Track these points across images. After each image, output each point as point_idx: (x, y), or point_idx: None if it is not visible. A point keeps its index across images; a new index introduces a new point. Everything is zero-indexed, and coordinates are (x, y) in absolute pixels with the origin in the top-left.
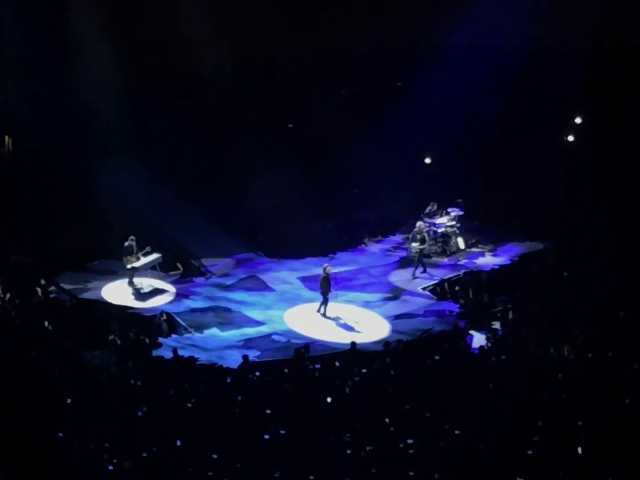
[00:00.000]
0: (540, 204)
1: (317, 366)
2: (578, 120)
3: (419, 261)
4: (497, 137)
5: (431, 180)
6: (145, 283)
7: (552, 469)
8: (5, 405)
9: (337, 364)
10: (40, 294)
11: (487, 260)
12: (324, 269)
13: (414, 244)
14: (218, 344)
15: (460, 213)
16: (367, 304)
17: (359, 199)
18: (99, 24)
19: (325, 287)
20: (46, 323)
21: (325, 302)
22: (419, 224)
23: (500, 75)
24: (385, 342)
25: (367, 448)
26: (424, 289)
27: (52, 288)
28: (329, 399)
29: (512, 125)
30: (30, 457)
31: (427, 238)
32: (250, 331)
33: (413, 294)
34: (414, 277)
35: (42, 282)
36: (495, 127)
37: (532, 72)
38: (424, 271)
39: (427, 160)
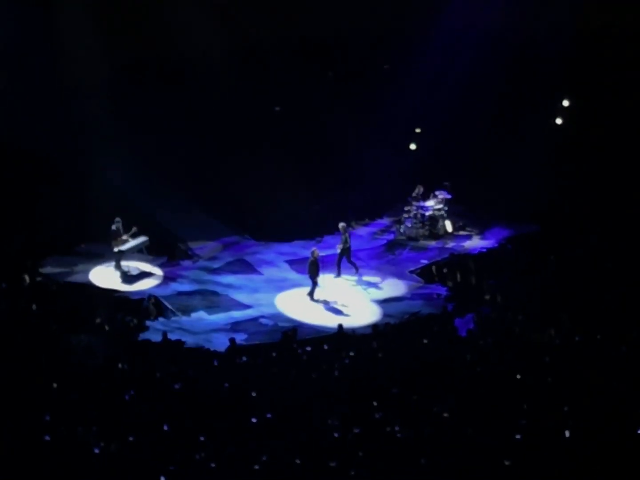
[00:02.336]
0: (527, 187)
1: (308, 349)
2: (566, 103)
3: (339, 262)
4: (485, 119)
5: (418, 164)
6: (132, 266)
7: (539, 452)
8: None
9: (324, 347)
10: (26, 278)
11: (475, 243)
12: (312, 252)
13: (338, 245)
14: (205, 327)
15: (448, 196)
16: (354, 287)
17: (346, 182)
18: (85, 9)
19: (313, 270)
20: (33, 307)
21: (313, 285)
22: (341, 225)
23: (487, 58)
24: (373, 325)
25: (354, 431)
26: (411, 272)
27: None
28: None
29: (499, 108)
30: (17, 441)
31: (349, 239)
32: (238, 314)
33: (401, 276)
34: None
35: (29, 266)
36: (483, 110)
37: (520, 55)
38: (356, 272)
39: (413, 147)
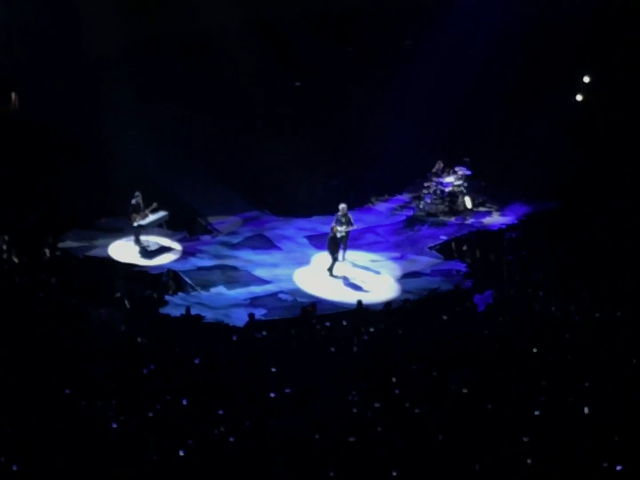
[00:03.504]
0: (548, 163)
1: (327, 324)
2: (586, 79)
3: (346, 244)
4: (505, 95)
5: (438, 139)
6: (152, 241)
7: (558, 429)
8: (13, 363)
9: (344, 322)
10: (46, 252)
11: (495, 219)
12: (332, 228)
13: (339, 228)
14: (224, 302)
15: (468, 172)
16: (374, 263)
17: (366, 157)
18: None
19: (332, 246)
20: (52, 281)
21: (333, 261)
22: (342, 206)
23: (508, 33)
24: (392, 302)
25: (374, 405)
26: (431, 248)
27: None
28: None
29: (520, 84)
30: (37, 414)
31: (352, 219)
32: (257, 289)
33: (420, 253)
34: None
35: (49, 240)
36: (503, 85)
37: (541, 31)
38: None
39: None
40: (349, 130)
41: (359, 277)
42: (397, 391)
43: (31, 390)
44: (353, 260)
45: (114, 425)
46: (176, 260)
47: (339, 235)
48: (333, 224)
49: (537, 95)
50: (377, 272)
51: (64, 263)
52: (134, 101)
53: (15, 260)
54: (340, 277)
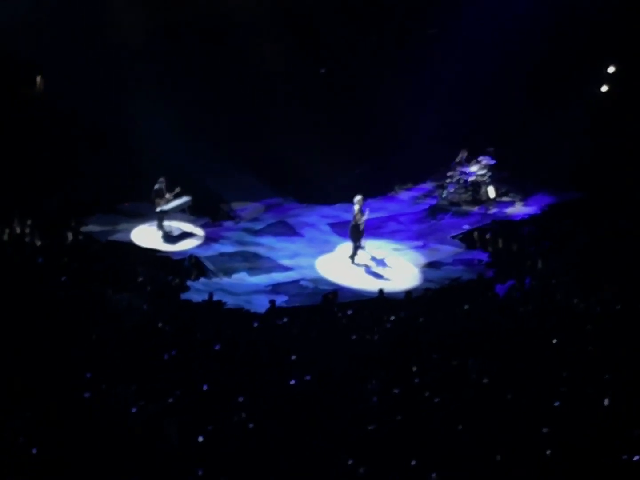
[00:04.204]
0: (572, 154)
1: (348, 312)
2: (611, 69)
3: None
4: (530, 85)
5: (462, 128)
6: (175, 226)
7: (578, 420)
8: (34, 347)
9: (365, 311)
10: (69, 236)
11: (517, 209)
12: (354, 216)
13: (361, 216)
14: (246, 288)
15: (491, 162)
16: (396, 252)
17: (390, 145)
18: None
19: (355, 234)
20: (74, 265)
21: (355, 249)
22: (358, 197)
23: (533, 22)
24: (413, 290)
25: (394, 392)
26: (453, 237)
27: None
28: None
29: (544, 74)
30: (57, 398)
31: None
32: (279, 276)
33: (442, 242)
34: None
35: (72, 224)
36: (528, 76)
37: (566, 20)
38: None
39: None
40: (372, 118)
41: (380, 265)
42: (417, 380)
43: (51, 374)
44: (375, 249)
45: (134, 410)
46: (198, 246)
47: (361, 223)
48: (356, 212)
49: (561, 86)
50: (399, 261)
51: (86, 247)
52: (158, 86)
53: (38, 244)
54: (362, 266)
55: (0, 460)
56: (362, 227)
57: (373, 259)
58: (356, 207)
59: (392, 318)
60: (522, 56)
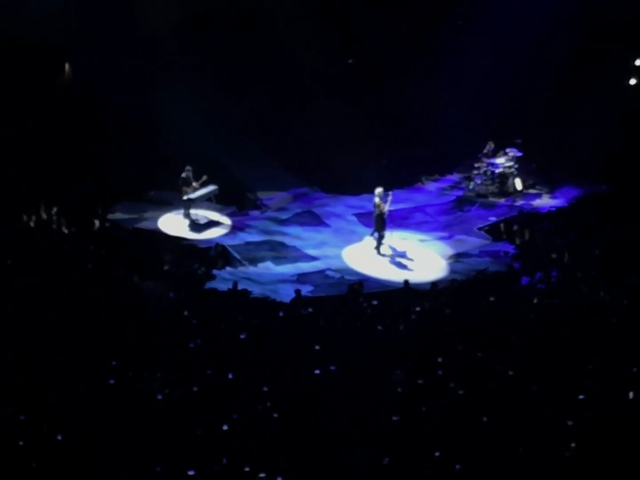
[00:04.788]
0: (599, 146)
1: (374, 302)
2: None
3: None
4: (558, 78)
5: (490, 120)
6: (201, 215)
7: (602, 413)
8: (60, 333)
9: (390, 301)
10: (96, 224)
11: (544, 202)
12: (378, 206)
13: (384, 205)
14: (272, 277)
15: (519, 154)
16: (422, 243)
17: (417, 136)
18: None
19: (379, 224)
20: (101, 252)
21: (380, 239)
22: (379, 190)
23: (562, 14)
24: (439, 282)
25: (419, 382)
26: (479, 229)
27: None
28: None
29: (572, 66)
30: (83, 384)
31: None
32: (304, 266)
33: (468, 233)
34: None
35: (99, 211)
36: (556, 68)
37: (595, 13)
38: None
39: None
40: (400, 108)
41: (406, 256)
42: (441, 371)
43: (78, 360)
44: (401, 240)
45: (159, 397)
46: (225, 235)
47: (385, 212)
48: (378, 201)
49: (590, 78)
50: (425, 252)
51: (112, 235)
52: (187, 75)
53: (65, 231)
54: (388, 256)
55: (26, 447)
56: (385, 216)
57: (399, 250)
58: (376, 199)
59: (418, 309)
60: (551, 47)
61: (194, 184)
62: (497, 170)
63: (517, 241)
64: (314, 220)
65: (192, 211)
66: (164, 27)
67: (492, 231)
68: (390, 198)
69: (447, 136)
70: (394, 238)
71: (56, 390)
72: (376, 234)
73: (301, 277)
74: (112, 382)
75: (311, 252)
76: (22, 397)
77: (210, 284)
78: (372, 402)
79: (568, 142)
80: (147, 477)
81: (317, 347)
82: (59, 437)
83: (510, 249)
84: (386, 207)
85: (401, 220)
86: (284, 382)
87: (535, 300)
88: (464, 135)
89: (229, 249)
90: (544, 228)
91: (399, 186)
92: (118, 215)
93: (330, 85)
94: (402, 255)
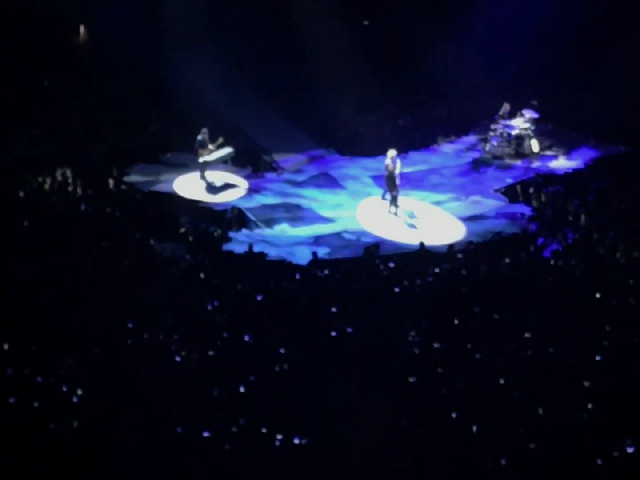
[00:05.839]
0: (616, 107)
1: (390, 265)
2: None
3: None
4: (574, 38)
5: (506, 81)
6: (217, 177)
7: (620, 374)
8: (77, 295)
9: (407, 263)
10: (112, 185)
11: (561, 163)
12: (386, 167)
13: (394, 166)
14: (288, 240)
15: (535, 115)
16: (438, 205)
17: (433, 98)
18: None
19: (390, 185)
20: (117, 214)
21: (393, 201)
22: (392, 151)
23: None
24: (455, 244)
25: (435, 346)
26: (496, 191)
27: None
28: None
29: (590, 27)
30: (99, 346)
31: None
32: (321, 228)
33: (485, 195)
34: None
35: (115, 174)
36: (573, 28)
37: None
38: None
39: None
40: (416, 70)
41: (422, 218)
42: (458, 333)
43: (94, 322)
44: (417, 201)
45: (177, 359)
46: (241, 197)
47: (396, 173)
48: (388, 162)
49: (607, 38)
50: (442, 214)
51: (129, 197)
52: (204, 38)
53: (80, 192)
54: (404, 218)
55: (42, 409)
56: (397, 179)
57: (415, 212)
58: (387, 160)
59: (435, 271)
60: (568, 7)
61: (210, 146)
62: (514, 132)
63: (534, 203)
64: (330, 182)
65: (208, 173)
66: None
67: (509, 193)
68: (399, 161)
69: (463, 98)
70: (410, 200)
71: (73, 352)
72: (388, 195)
73: (317, 240)
74: (129, 343)
75: (327, 214)
76: (38, 359)
77: (226, 247)
78: (388, 363)
79: (584, 104)
80: (165, 438)
81: (333, 309)
82: (75, 399)
83: (527, 210)
84: (396, 169)
85: (417, 182)
86: (300, 344)
87: (552, 262)
88: (480, 96)
89: (245, 211)
90: (560, 190)
91: (414, 148)
92: (134, 178)
93: (345, 47)
94: (418, 217)
